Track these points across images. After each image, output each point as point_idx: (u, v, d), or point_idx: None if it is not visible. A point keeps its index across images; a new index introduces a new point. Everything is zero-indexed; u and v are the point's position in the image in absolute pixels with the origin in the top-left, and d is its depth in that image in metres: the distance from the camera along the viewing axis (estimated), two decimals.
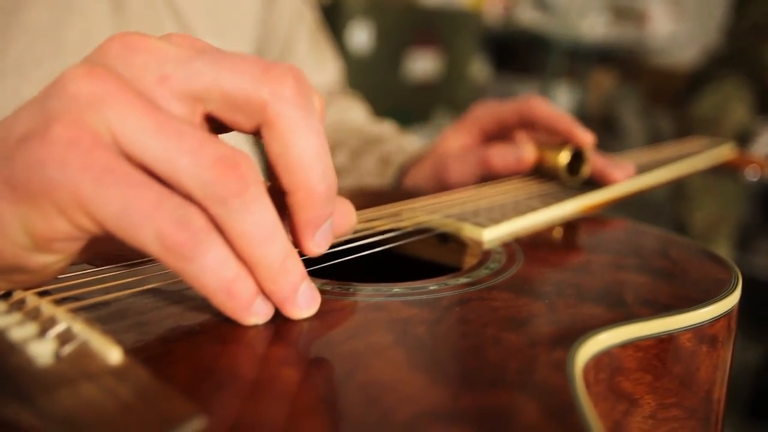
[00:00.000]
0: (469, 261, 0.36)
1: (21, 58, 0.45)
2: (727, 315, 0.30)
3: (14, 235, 0.22)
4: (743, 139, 1.60)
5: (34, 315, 0.23)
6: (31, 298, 0.24)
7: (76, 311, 0.23)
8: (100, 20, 0.48)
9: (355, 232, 0.36)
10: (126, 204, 0.21)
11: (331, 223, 0.26)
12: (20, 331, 0.22)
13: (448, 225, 0.37)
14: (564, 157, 0.47)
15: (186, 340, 0.23)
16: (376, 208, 0.40)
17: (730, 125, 1.63)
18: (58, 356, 0.21)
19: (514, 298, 0.28)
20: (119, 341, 0.21)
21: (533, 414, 0.20)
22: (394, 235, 0.37)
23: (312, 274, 0.29)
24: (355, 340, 0.24)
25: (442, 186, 0.50)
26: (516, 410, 0.20)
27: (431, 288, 0.29)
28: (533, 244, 0.36)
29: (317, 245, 0.26)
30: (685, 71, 2.25)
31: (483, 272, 0.31)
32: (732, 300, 0.30)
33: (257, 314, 0.24)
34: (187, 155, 0.21)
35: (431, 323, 0.25)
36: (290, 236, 0.25)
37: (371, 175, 0.59)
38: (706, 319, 0.28)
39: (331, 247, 0.33)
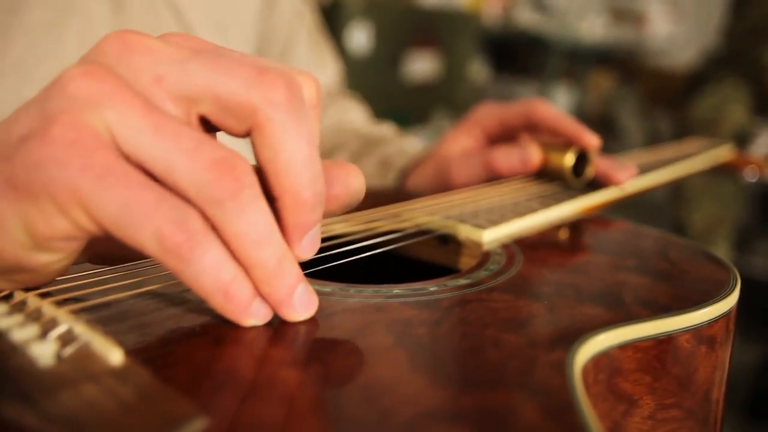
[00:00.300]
0: (469, 262, 0.36)
1: (21, 57, 0.45)
2: (725, 316, 0.30)
3: (15, 235, 0.22)
4: (742, 140, 1.61)
5: (35, 316, 0.23)
6: (32, 300, 0.24)
7: (77, 312, 0.23)
8: (100, 20, 0.48)
9: (356, 233, 0.36)
10: (125, 204, 0.21)
11: (319, 229, 0.25)
12: (22, 333, 0.22)
13: (448, 226, 0.37)
14: (569, 159, 0.47)
15: (186, 342, 0.23)
16: (375, 210, 0.40)
17: (729, 126, 1.63)
18: (59, 357, 0.21)
19: (513, 299, 0.28)
20: (120, 342, 0.21)
21: (533, 414, 0.20)
22: (393, 237, 0.37)
23: (311, 276, 0.29)
24: (356, 341, 0.24)
25: (444, 188, 0.50)
26: (516, 411, 0.20)
27: (431, 289, 0.29)
28: (533, 246, 0.37)
29: (303, 251, 0.25)
30: (683, 72, 2.25)
31: (483, 273, 0.31)
32: (730, 301, 0.30)
33: (255, 316, 0.24)
34: (184, 156, 0.22)
35: (431, 324, 0.25)
36: None
37: (371, 177, 0.59)
38: (704, 320, 0.29)
39: (332, 247, 0.33)
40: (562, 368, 0.23)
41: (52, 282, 0.25)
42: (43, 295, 0.24)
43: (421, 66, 2.08)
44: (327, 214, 0.26)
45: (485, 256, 0.34)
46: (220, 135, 0.25)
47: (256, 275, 0.23)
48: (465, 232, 0.37)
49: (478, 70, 2.45)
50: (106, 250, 0.26)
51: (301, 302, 0.24)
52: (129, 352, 0.21)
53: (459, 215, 0.39)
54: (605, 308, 0.28)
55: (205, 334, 0.23)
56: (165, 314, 0.25)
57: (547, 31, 2.72)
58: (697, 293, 0.30)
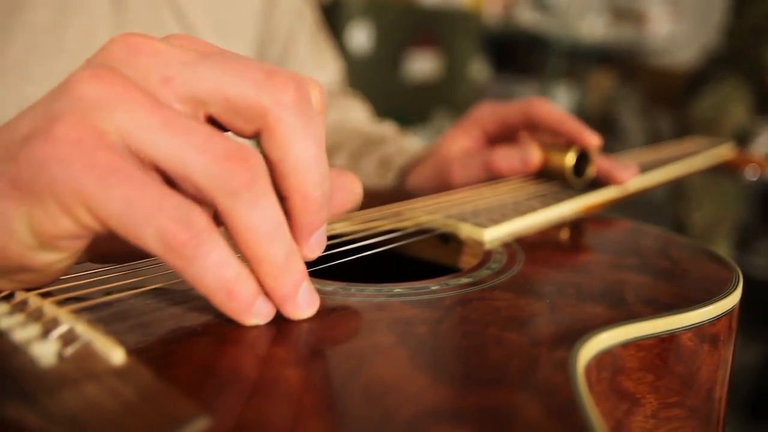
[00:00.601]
0: (470, 261, 0.36)
1: (22, 56, 0.45)
2: (728, 314, 0.30)
3: (19, 234, 0.22)
4: (742, 139, 1.61)
5: (36, 316, 0.23)
6: (33, 300, 0.24)
7: (78, 312, 0.23)
8: (101, 19, 0.48)
9: (357, 232, 0.36)
10: (129, 202, 0.21)
11: (325, 229, 0.26)
12: (23, 332, 0.22)
13: (449, 225, 0.37)
14: (570, 159, 0.47)
15: (188, 341, 0.23)
16: (376, 209, 0.40)
17: (729, 126, 1.63)
18: (61, 357, 0.21)
19: (515, 297, 0.28)
20: (122, 342, 0.21)
21: (536, 413, 0.20)
22: (395, 236, 0.37)
23: (313, 275, 0.29)
24: (358, 341, 0.24)
25: (444, 188, 0.50)
26: (518, 409, 0.20)
27: (433, 288, 0.29)
28: (534, 244, 0.36)
29: (311, 250, 0.26)
30: (684, 72, 2.25)
31: (484, 272, 0.31)
32: (733, 299, 0.30)
33: (258, 315, 0.24)
34: (196, 150, 0.22)
35: (433, 323, 0.25)
36: None
37: (371, 177, 0.59)
38: (707, 318, 0.28)
39: (333, 247, 0.33)
40: (565, 367, 0.23)
41: (53, 282, 0.25)
42: (44, 295, 0.24)
43: (422, 65, 2.08)
44: (329, 219, 0.27)
45: (487, 255, 0.34)
46: None
47: (264, 270, 0.23)
48: (466, 231, 0.37)
49: (478, 69, 2.45)
50: (109, 249, 0.26)
51: (305, 300, 0.25)
52: (130, 352, 0.21)
53: (460, 214, 0.39)
54: (607, 307, 0.28)
55: (206, 333, 0.23)
56: (166, 313, 0.25)
57: (547, 30, 2.72)
58: (699, 291, 0.30)
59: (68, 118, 0.21)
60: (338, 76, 0.74)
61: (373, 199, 0.42)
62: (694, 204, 1.66)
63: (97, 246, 0.25)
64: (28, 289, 0.25)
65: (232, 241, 0.23)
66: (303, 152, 0.24)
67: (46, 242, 0.22)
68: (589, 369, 0.24)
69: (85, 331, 0.22)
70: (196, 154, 0.22)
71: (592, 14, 2.94)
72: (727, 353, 0.31)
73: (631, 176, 0.48)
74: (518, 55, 2.91)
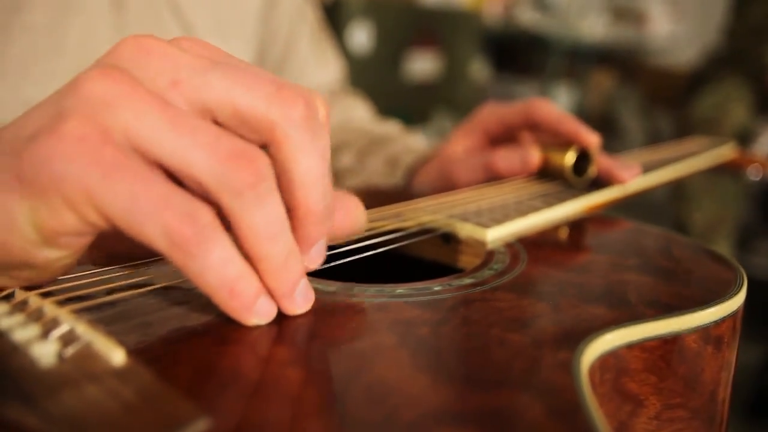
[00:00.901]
0: (473, 261, 0.36)
1: (22, 56, 0.45)
2: (732, 316, 0.29)
3: (23, 230, 0.22)
4: (743, 139, 1.60)
5: (36, 316, 0.23)
6: (33, 299, 0.24)
7: (79, 312, 0.23)
8: (101, 19, 0.48)
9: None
10: (133, 198, 0.21)
11: (326, 241, 0.26)
12: (23, 333, 0.21)
13: (451, 225, 0.37)
14: (570, 158, 0.47)
15: (189, 341, 0.23)
16: (379, 209, 0.39)
17: (730, 126, 1.63)
18: (61, 357, 0.21)
19: (518, 298, 0.28)
20: (122, 342, 0.21)
21: (539, 414, 0.20)
22: (397, 236, 0.37)
23: (315, 275, 0.29)
24: (360, 341, 0.24)
25: (447, 189, 0.50)
26: (522, 411, 0.20)
27: (435, 289, 0.29)
28: (536, 245, 0.36)
29: (311, 260, 0.26)
30: (684, 72, 2.25)
31: (487, 273, 0.31)
32: (737, 300, 0.30)
33: (259, 314, 0.24)
34: (202, 149, 0.22)
35: (435, 324, 0.25)
36: None
37: (378, 175, 0.59)
38: (711, 320, 0.28)
39: (335, 247, 0.33)
40: (569, 368, 0.22)
41: (53, 281, 0.25)
42: (45, 295, 0.24)
43: (422, 65, 2.07)
44: (331, 240, 0.27)
45: (489, 256, 0.34)
46: None
47: (265, 268, 0.24)
48: (468, 231, 0.37)
49: (478, 69, 2.45)
50: (110, 250, 0.26)
51: (302, 297, 0.25)
52: (131, 352, 0.21)
53: (462, 214, 0.39)
54: (610, 308, 0.28)
55: (207, 333, 0.23)
56: (167, 314, 0.24)
57: (547, 30, 2.71)
58: (702, 292, 0.30)
59: (75, 116, 0.21)
60: (340, 75, 0.74)
61: (374, 199, 0.42)
62: (694, 204, 1.66)
63: (98, 246, 0.25)
64: (29, 289, 0.24)
65: (234, 239, 0.23)
66: (308, 168, 0.24)
67: (49, 238, 0.22)
68: (592, 370, 0.24)
69: (85, 331, 0.22)
70: (202, 153, 0.22)
71: (593, 14, 2.93)
72: (731, 355, 0.30)
73: (633, 176, 0.48)
74: (518, 55, 2.90)
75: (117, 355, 0.21)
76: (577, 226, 0.41)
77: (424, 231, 0.38)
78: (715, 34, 1.89)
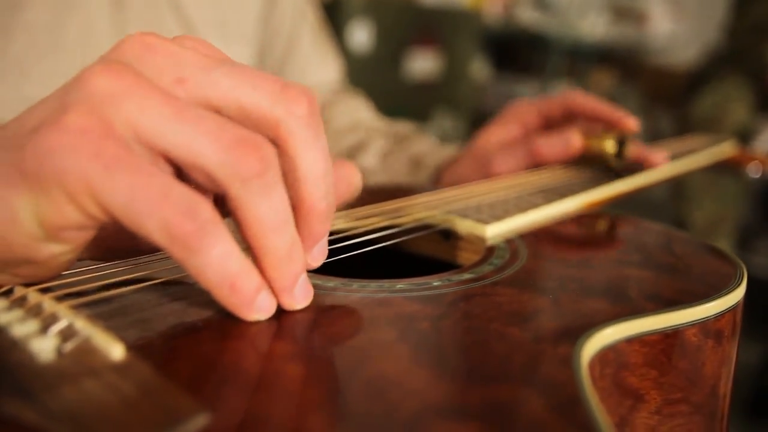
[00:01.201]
0: (472, 257, 0.36)
1: (21, 55, 0.45)
2: (732, 309, 0.29)
3: (25, 224, 0.22)
4: (743, 138, 1.60)
5: (35, 312, 0.23)
6: (32, 295, 0.24)
7: (78, 308, 0.23)
8: (100, 18, 0.48)
9: (358, 228, 0.36)
10: (134, 192, 0.21)
11: (327, 239, 0.27)
12: (22, 328, 0.21)
13: (451, 221, 0.37)
14: (611, 143, 0.50)
15: (189, 336, 0.23)
16: (378, 204, 0.39)
17: (731, 124, 1.62)
18: (60, 353, 0.21)
19: (518, 293, 0.28)
20: (122, 337, 0.21)
21: (539, 409, 0.20)
22: (396, 232, 0.37)
23: (315, 271, 0.29)
24: (360, 336, 0.24)
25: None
26: (522, 405, 0.20)
27: (435, 284, 0.28)
28: (537, 240, 0.36)
29: (314, 258, 0.26)
30: (685, 71, 2.25)
31: (487, 268, 0.31)
32: (738, 294, 0.30)
33: (259, 310, 0.24)
34: (207, 137, 0.22)
35: (435, 319, 0.25)
36: None
37: (402, 175, 0.60)
38: (712, 313, 0.28)
39: (335, 242, 0.33)
40: (569, 362, 0.22)
41: (53, 277, 0.25)
42: (44, 291, 0.24)
43: (422, 64, 2.07)
44: None
45: (489, 251, 0.34)
46: None
47: (267, 259, 0.24)
48: (468, 227, 0.36)
49: (479, 68, 2.44)
50: (111, 246, 0.26)
51: (301, 291, 0.25)
52: (130, 347, 0.21)
53: (462, 210, 0.39)
54: (610, 302, 0.28)
55: (207, 328, 0.23)
56: (167, 309, 0.24)
57: (548, 29, 2.71)
58: (703, 287, 0.30)
59: (77, 109, 0.21)
60: (340, 75, 0.74)
61: (374, 195, 0.42)
62: (694, 203, 1.66)
63: (98, 242, 0.25)
64: (28, 285, 0.24)
65: (237, 232, 0.23)
66: (313, 164, 0.24)
67: (51, 233, 0.22)
68: (592, 365, 0.24)
69: (84, 326, 0.22)
70: (207, 142, 0.22)
71: (593, 13, 2.93)
72: (732, 349, 0.30)
73: (664, 160, 0.51)
74: (519, 54, 2.90)
75: (116, 350, 0.21)
76: (578, 221, 0.41)
77: (424, 227, 0.38)
78: (715, 33, 1.88)
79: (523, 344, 0.24)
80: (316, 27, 0.72)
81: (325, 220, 0.25)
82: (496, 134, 0.55)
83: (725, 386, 0.30)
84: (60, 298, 0.24)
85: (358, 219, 0.37)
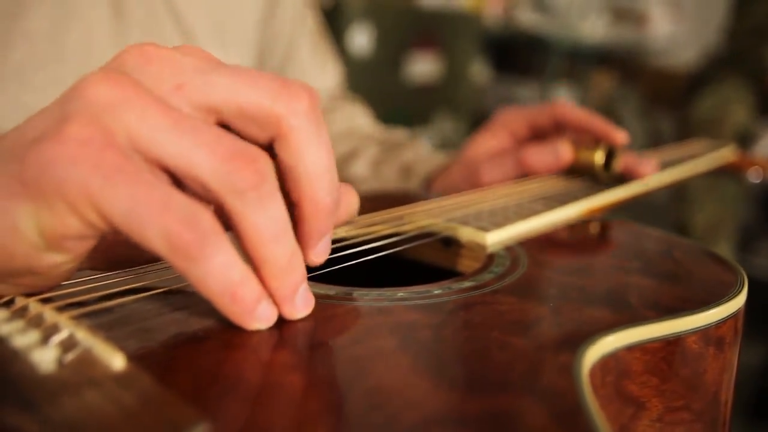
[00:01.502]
0: (473, 265, 0.36)
1: (22, 63, 0.45)
2: (734, 316, 0.29)
3: (27, 235, 0.22)
4: (744, 140, 1.60)
5: (36, 322, 0.23)
6: (33, 305, 0.24)
7: (78, 318, 0.23)
8: (100, 26, 0.48)
9: (359, 236, 0.36)
10: (134, 202, 0.21)
11: (331, 236, 0.27)
12: (23, 339, 0.21)
13: (451, 229, 0.37)
14: (600, 155, 0.49)
15: (189, 346, 0.23)
16: (378, 213, 0.39)
17: (731, 126, 1.62)
18: (60, 363, 0.21)
19: (518, 301, 0.28)
20: (122, 348, 0.21)
21: (540, 418, 0.20)
22: (397, 240, 0.37)
23: (316, 279, 0.29)
24: (360, 345, 0.24)
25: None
26: (523, 414, 0.20)
27: (435, 292, 0.28)
28: (537, 247, 0.36)
29: (317, 255, 0.26)
30: (685, 72, 2.25)
31: (487, 276, 0.31)
32: (739, 301, 0.30)
33: (260, 319, 0.24)
34: (204, 149, 0.22)
35: (436, 327, 0.25)
36: None
37: (392, 183, 0.59)
38: (713, 321, 0.28)
39: (336, 251, 0.33)
40: (570, 371, 0.22)
41: (54, 287, 0.25)
42: (45, 301, 0.24)
43: (422, 67, 2.07)
44: None
45: (489, 259, 0.34)
46: None
47: (267, 270, 0.24)
48: (469, 234, 0.36)
49: (479, 70, 2.45)
50: (112, 256, 0.26)
51: (302, 301, 0.25)
52: (131, 358, 0.21)
53: (462, 218, 0.39)
54: (611, 310, 0.28)
55: (208, 338, 0.23)
56: (168, 319, 0.24)
57: (548, 31, 2.71)
58: (703, 294, 0.30)
59: (78, 119, 0.21)
60: (339, 80, 0.74)
61: (375, 202, 0.42)
62: (695, 206, 1.66)
63: (99, 252, 0.25)
64: (29, 295, 0.24)
65: (237, 242, 0.23)
66: (316, 159, 0.24)
67: (52, 243, 0.22)
68: (593, 373, 0.24)
69: (85, 337, 0.22)
70: (204, 154, 0.22)
71: (593, 15, 2.93)
72: (733, 356, 0.30)
73: (653, 170, 0.50)
74: (519, 56, 2.90)
75: (117, 361, 0.21)
76: (578, 228, 0.41)
77: (425, 235, 0.38)
78: (715, 35, 1.88)
79: (524, 353, 0.24)
80: (315, 32, 0.72)
81: (329, 215, 0.25)
82: (486, 143, 0.55)
83: (727, 393, 0.30)
84: (61, 309, 0.24)
85: (359, 227, 0.37)
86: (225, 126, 0.24)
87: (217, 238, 0.22)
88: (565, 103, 0.52)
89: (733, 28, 1.79)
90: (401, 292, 0.28)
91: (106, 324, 0.24)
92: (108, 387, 0.19)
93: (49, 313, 0.23)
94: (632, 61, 3.08)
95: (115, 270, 0.27)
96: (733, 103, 1.65)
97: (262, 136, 0.24)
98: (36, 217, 0.22)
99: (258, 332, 0.24)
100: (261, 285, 0.24)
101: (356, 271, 0.34)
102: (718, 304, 0.29)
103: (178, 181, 0.23)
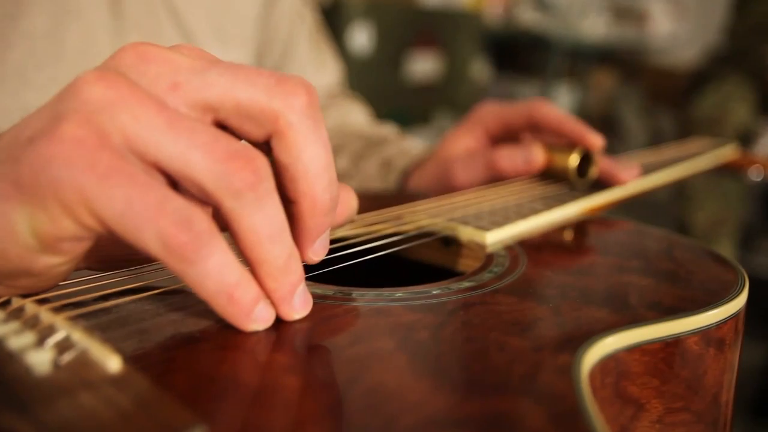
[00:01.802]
0: (472, 264, 0.36)
1: (21, 63, 0.45)
2: (734, 317, 0.29)
3: (22, 236, 0.22)
4: (745, 139, 1.60)
5: (32, 323, 0.23)
6: (30, 306, 0.24)
7: (75, 319, 0.23)
8: (99, 25, 0.48)
9: (358, 236, 0.36)
10: (129, 203, 0.21)
11: (329, 233, 0.26)
12: (19, 340, 0.21)
13: (451, 228, 0.37)
14: (574, 160, 0.47)
15: (186, 348, 0.23)
16: (378, 212, 0.39)
17: (732, 125, 1.62)
18: (56, 365, 0.20)
19: (518, 301, 0.28)
20: (119, 349, 0.21)
21: (539, 420, 0.20)
22: (396, 239, 0.36)
23: (315, 279, 0.29)
24: (358, 346, 0.23)
25: (446, 189, 0.50)
26: (521, 416, 0.20)
27: (434, 292, 0.28)
28: (537, 247, 0.36)
29: (315, 253, 0.26)
30: (686, 71, 2.24)
31: (486, 276, 0.31)
32: (740, 302, 0.30)
33: (257, 320, 0.24)
34: (200, 150, 0.22)
35: (434, 328, 0.25)
36: None
37: (373, 179, 0.58)
38: (713, 321, 0.28)
39: (335, 251, 0.33)
40: (569, 372, 0.22)
41: (50, 288, 0.25)
42: (41, 301, 0.24)
43: (423, 66, 2.07)
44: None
45: (489, 258, 0.34)
46: None
47: (264, 270, 0.23)
48: (468, 234, 0.36)
49: (479, 69, 2.44)
50: (108, 256, 0.26)
51: (300, 301, 0.25)
52: (127, 359, 0.21)
53: (462, 217, 0.38)
54: (611, 310, 0.28)
55: (205, 339, 0.23)
56: (165, 320, 0.24)
57: (548, 30, 2.71)
58: (704, 294, 0.30)
59: (72, 119, 0.21)
60: (338, 78, 0.74)
61: (374, 201, 0.42)
62: (697, 203, 1.66)
63: (97, 253, 0.25)
64: (25, 296, 0.24)
65: (234, 244, 0.23)
66: (314, 156, 0.24)
67: (47, 244, 0.22)
68: (593, 374, 0.24)
69: (81, 338, 0.21)
70: (200, 154, 0.22)
71: (593, 13, 2.93)
72: (734, 357, 0.30)
73: (633, 176, 0.48)
74: (519, 55, 2.90)
75: (113, 363, 0.20)
76: (578, 228, 0.41)
77: (424, 234, 0.38)
78: (716, 33, 1.88)
79: (523, 354, 0.23)
80: (314, 30, 0.71)
81: (327, 213, 0.25)
82: (460, 140, 0.53)
83: (727, 394, 0.30)
84: (57, 309, 0.24)
85: (359, 227, 0.37)
86: (221, 125, 0.24)
87: (213, 239, 0.22)
88: (542, 103, 0.49)
89: (734, 27, 1.79)
90: (400, 293, 0.28)
91: (103, 325, 0.23)
92: (104, 389, 0.19)
93: (46, 314, 0.23)
94: (633, 59, 3.08)
95: (112, 269, 0.27)
96: (734, 102, 1.65)
97: (259, 133, 0.24)
98: (31, 219, 0.22)
99: (255, 333, 0.24)
100: (258, 286, 0.24)
101: (356, 270, 0.34)
102: (719, 305, 0.29)
103: (174, 181, 0.23)
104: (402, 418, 0.19)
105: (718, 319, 0.28)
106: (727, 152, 0.67)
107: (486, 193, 0.45)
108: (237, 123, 0.24)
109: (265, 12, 0.64)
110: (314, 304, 0.26)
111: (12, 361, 0.20)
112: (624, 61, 3.06)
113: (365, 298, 0.27)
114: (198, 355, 0.22)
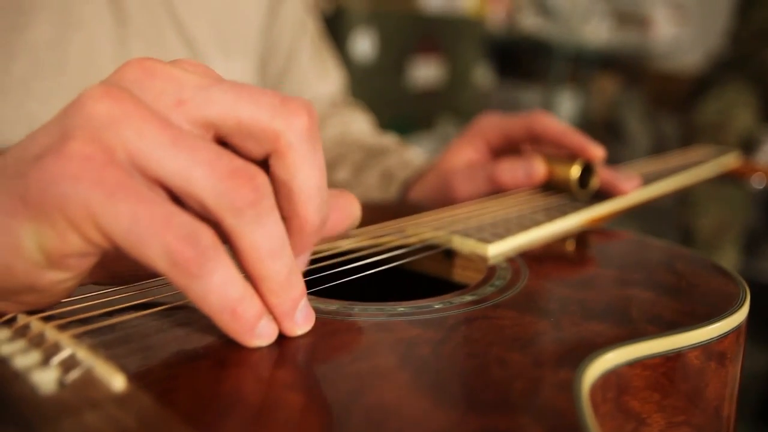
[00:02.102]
0: (474, 276, 0.36)
1: (25, 74, 0.45)
2: (735, 331, 0.29)
3: (28, 252, 0.22)
4: (748, 144, 1.60)
5: (38, 341, 0.23)
6: (35, 324, 0.24)
7: (80, 336, 0.23)
8: (103, 35, 0.49)
9: (360, 249, 0.36)
10: (135, 219, 0.21)
11: (310, 252, 0.27)
12: (24, 359, 0.21)
13: (453, 241, 0.37)
14: (575, 171, 0.47)
15: (190, 365, 0.23)
16: (380, 225, 0.39)
17: (735, 130, 1.62)
18: (61, 384, 0.21)
19: (519, 316, 0.28)
20: (123, 366, 0.21)
21: None
22: (399, 252, 0.37)
23: (316, 293, 0.29)
24: (360, 362, 0.24)
25: (447, 202, 0.50)
26: None
27: (436, 307, 0.28)
28: (538, 259, 0.36)
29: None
30: (689, 76, 2.24)
31: (488, 289, 0.31)
32: (741, 315, 0.30)
33: (260, 336, 0.24)
34: (202, 167, 0.22)
35: (436, 343, 0.25)
36: None
37: (374, 189, 0.59)
38: (714, 335, 0.28)
39: (340, 264, 0.33)
40: (570, 388, 0.22)
41: (55, 304, 0.25)
42: (46, 318, 0.24)
43: (426, 72, 2.08)
44: (326, 239, 0.28)
45: (491, 271, 0.34)
46: None
47: (266, 286, 0.24)
48: (470, 246, 0.36)
49: (482, 75, 2.45)
50: (114, 271, 0.26)
51: (303, 316, 0.25)
52: (131, 377, 0.21)
53: (464, 229, 0.38)
54: (612, 325, 0.28)
55: (208, 356, 0.23)
56: (169, 336, 0.25)
57: (551, 35, 2.71)
58: (705, 307, 0.30)
59: (79, 135, 0.22)
60: (341, 86, 0.74)
61: (376, 213, 0.42)
62: (700, 210, 1.65)
63: (101, 268, 0.25)
64: (31, 313, 0.24)
65: (235, 258, 0.23)
66: (309, 178, 0.24)
67: (54, 260, 0.22)
68: (594, 389, 0.24)
69: (86, 356, 0.22)
70: (202, 171, 0.22)
71: (596, 19, 2.93)
72: (735, 370, 0.30)
73: (634, 187, 0.48)
74: (522, 60, 2.90)
75: (117, 381, 0.21)
76: (580, 239, 0.41)
77: (426, 247, 0.38)
78: (719, 38, 1.88)
79: (524, 370, 0.23)
80: (316, 39, 0.72)
81: (314, 233, 0.26)
82: (461, 152, 0.53)
83: (729, 407, 0.30)
84: (62, 327, 0.24)
85: (360, 239, 0.37)
86: (221, 141, 0.25)
87: (218, 254, 0.22)
88: (543, 115, 0.49)
89: (737, 32, 1.79)
90: (402, 307, 0.28)
91: (108, 342, 0.24)
92: (107, 409, 0.19)
93: (51, 332, 0.23)
94: (636, 64, 3.08)
95: (118, 284, 0.28)
96: (737, 107, 1.65)
97: (259, 152, 0.24)
98: (37, 235, 0.22)
99: (258, 349, 0.24)
100: (261, 302, 0.24)
101: (358, 283, 0.34)
102: (720, 319, 0.29)
103: (177, 197, 0.23)
104: None
105: (720, 333, 0.28)
106: (730, 160, 0.67)
107: (488, 204, 0.45)
108: (237, 140, 0.24)
109: (268, 21, 0.64)
110: (316, 319, 0.26)
111: (18, 380, 0.21)
112: (627, 67, 3.06)
113: (367, 312, 0.28)
114: (201, 372, 0.22)
